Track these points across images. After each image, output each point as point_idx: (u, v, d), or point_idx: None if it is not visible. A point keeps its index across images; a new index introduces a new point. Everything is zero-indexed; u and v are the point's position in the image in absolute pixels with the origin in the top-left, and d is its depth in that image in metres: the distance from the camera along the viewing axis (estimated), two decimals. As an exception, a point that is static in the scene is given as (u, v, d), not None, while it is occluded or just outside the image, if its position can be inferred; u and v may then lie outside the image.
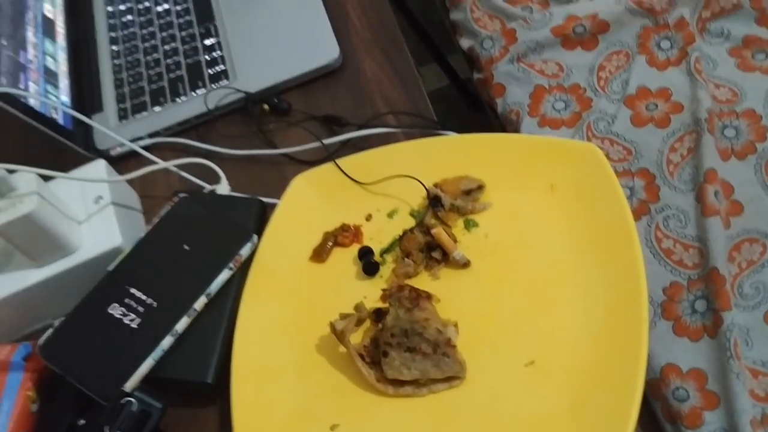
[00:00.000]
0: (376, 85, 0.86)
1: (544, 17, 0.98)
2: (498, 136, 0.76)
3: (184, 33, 0.95)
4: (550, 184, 0.71)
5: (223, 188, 0.79)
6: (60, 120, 0.84)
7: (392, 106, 0.83)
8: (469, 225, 0.72)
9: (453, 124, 0.80)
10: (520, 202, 0.72)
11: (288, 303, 0.70)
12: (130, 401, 0.60)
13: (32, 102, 0.81)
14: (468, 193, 0.72)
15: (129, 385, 0.63)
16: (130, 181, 0.80)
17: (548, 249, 0.68)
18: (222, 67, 0.90)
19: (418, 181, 0.73)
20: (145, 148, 0.85)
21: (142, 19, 0.99)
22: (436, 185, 0.73)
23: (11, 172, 0.68)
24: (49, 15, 0.95)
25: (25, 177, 0.69)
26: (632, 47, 0.94)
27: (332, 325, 0.65)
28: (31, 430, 0.68)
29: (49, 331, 0.68)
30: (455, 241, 0.69)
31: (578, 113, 0.90)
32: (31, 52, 0.87)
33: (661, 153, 0.84)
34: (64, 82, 0.90)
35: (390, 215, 0.75)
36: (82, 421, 0.63)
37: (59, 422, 0.64)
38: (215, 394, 0.66)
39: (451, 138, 0.77)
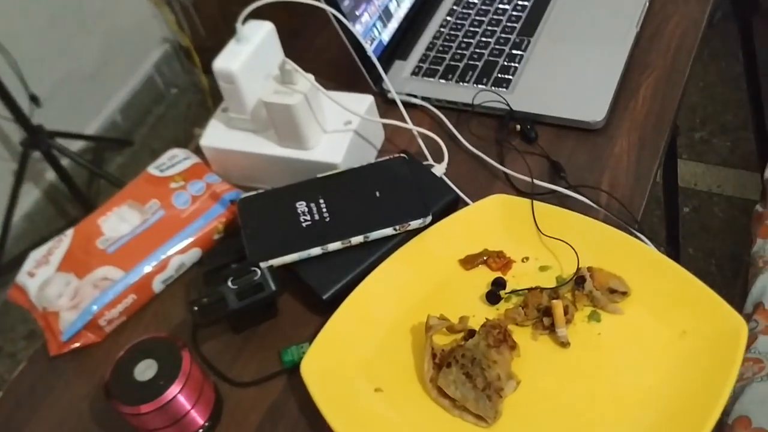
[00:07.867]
0: (614, 163, 0.90)
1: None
2: (671, 264, 0.77)
3: (503, 35, 1.06)
4: (684, 330, 0.72)
5: (439, 169, 0.90)
6: (370, 51, 1.00)
7: (612, 188, 0.87)
8: (593, 317, 0.76)
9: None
10: (648, 329, 0.74)
11: (415, 282, 0.81)
12: (255, 272, 0.76)
13: (357, 27, 0.98)
14: (612, 291, 0.76)
15: (269, 262, 0.79)
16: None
17: (645, 379, 0.70)
18: (510, 77, 1.00)
19: (577, 256, 0.78)
20: (409, 104, 0.99)
21: (483, 8, 1.11)
22: (589, 269, 0.77)
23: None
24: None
25: (303, 79, 0.87)
26: None
27: (428, 317, 0.75)
28: (208, 248, 0.88)
29: (252, 193, 0.86)
30: (568, 321, 0.74)
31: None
32: (381, -9, 1.04)
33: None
34: (393, 25, 1.07)
35: (542, 269, 0.81)
36: (234, 266, 0.80)
37: (223, 255, 0.83)
38: (326, 310, 0.80)
39: (632, 241, 0.79)
